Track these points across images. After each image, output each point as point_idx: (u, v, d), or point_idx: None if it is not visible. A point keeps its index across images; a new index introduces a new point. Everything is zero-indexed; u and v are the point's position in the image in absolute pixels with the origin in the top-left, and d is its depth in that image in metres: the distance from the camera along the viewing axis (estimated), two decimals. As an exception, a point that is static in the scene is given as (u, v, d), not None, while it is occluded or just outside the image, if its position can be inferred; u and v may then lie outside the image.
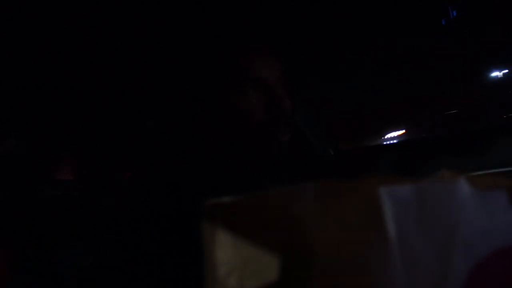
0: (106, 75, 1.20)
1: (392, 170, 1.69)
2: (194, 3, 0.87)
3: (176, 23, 0.92)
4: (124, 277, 0.58)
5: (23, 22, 0.81)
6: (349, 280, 0.23)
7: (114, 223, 0.66)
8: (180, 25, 0.93)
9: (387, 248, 0.22)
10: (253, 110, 0.63)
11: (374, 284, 0.22)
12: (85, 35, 0.92)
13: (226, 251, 0.31)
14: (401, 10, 1.17)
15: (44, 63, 1.03)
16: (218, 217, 0.32)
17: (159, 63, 1.08)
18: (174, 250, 0.55)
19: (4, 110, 1.17)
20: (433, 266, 0.23)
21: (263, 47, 0.67)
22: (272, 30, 1.08)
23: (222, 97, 0.64)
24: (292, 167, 0.83)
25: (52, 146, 1.31)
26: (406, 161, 1.61)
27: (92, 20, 0.87)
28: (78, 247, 0.94)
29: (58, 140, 1.35)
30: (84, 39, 0.94)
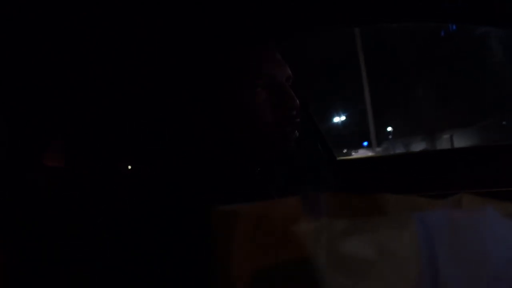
0: (106, 74, 1.20)
1: (389, 183, 1.69)
2: (197, 3, 0.87)
3: (179, 23, 0.92)
4: (124, 278, 0.58)
5: (23, 22, 0.80)
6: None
7: (114, 223, 0.65)
8: (184, 25, 0.93)
9: (418, 273, 0.22)
10: (261, 109, 0.64)
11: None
12: (85, 35, 0.92)
13: (239, 261, 0.31)
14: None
15: (45, 62, 1.02)
16: (229, 226, 0.32)
17: (162, 62, 1.08)
18: (174, 251, 0.55)
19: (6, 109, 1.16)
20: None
21: (270, 47, 0.68)
22: (276, 31, 1.08)
23: (229, 97, 0.65)
24: (290, 173, 0.83)
25: (51, 146, 1.31)
26: (407, 174, 1.61)
27: (92, 20, 0.86)
28: (78, 247, 0.93)
29: (58, 140, 1.34)
30: (84, 39, 0.93)
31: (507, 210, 0.28)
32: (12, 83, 1.08)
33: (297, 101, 0.65)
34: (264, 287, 0.31)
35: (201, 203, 0.58)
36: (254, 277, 0.31)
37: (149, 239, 0.57)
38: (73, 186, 1.27)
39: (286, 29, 1.12)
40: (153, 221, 0.57)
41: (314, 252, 0.26)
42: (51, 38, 0.90)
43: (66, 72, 1.11)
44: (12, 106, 1.16)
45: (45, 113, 1.23)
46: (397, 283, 0.23)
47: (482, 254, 0.23)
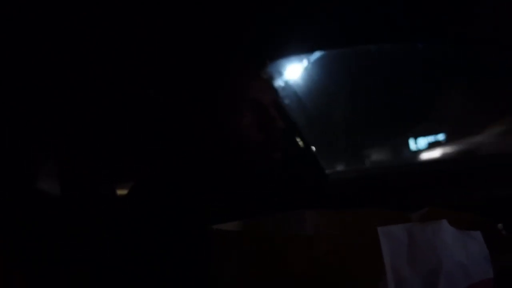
0: (107, 75, 1.21)
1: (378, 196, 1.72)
2: (194, 17, 0.90)
3: (177, 36, 0.95)
4: (124, 279, 0.59)
5: (23, 22, 0.82)
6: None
7: (114, 225, 0.67)
8: (181, 39, 0.96)
9: (382, 278, 0.26)
10: (246, 127, 0.67)
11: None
12: (85, 35, 0.93)
13: (236, 278, 0.34)
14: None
15: (45, 62, 1.03)
16: (226, 245, 0.35)
17: (160, 69, 1.11)
18: (173, 252, 0.57)
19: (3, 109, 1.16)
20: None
21: (260, 68, 0.72)
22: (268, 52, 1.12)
23: (218, 112, 0.68)
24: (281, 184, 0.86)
25: (51, 147, 1.31)
26: (392, 189, 1.64)
27: (92, 20, 0.88)
28: (78, 250, 0.94)
29: (57, 140, 1.35)
30: (83, 38, 0.95)
31: (462, 222, 0.33)
32: (12, 83, 1.10)
33: (281, 123, 0.69)
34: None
35: (198, 204, 0.60)
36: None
37: (149, 240, 0.59)
38: (72, 186, 1.28)
39: (276, 51, 1.16)
40: (153, 221, 0.60)
41: (302, 267, 0.30)
42: (51, 38, 0.92)
43: (66, 73, 1.12)
44: (12, 106, 1.18)
45: (45, 113, 1.24)
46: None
47: (435, 261, 0.28)
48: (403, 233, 0.28)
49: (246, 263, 0.33)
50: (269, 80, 0.73)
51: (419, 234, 0.28)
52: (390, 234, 0.27)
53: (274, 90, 0.73)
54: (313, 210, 0.41)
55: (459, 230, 0.30)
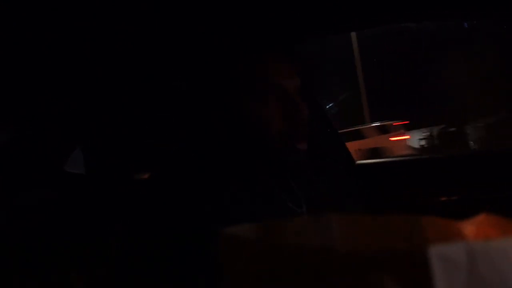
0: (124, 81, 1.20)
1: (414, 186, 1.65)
2: (210, 8, 0.86)
3: (192, 28, 0.92)
4: (128, 277, 0.58)
5: (23, 21, 0.80)
6: None
7: (125, 223, 0.66)
8: (198, 30, 0.92)
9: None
10: (270, 117, 0.63)
11: None
12: (104, 38, 0.91)
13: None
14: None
15: (58, 60, 1.02)
16: (235, 252, 0.31)
17: (175, 64, 1.08)
18: (182, 252, 0.54)
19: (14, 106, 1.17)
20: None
21: (281, 54, 0.68)
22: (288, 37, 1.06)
23: (240, 103, 0.64)
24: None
25: (65, 145, 1.32)
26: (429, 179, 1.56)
27: (112, 23, 0.86)
28: (87, 245, 0.94)
29: (71, 138, 1.35)
30: (102, 42, 0.93)
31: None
32: (32, 89, 1.10)
33: (306, 113, 0.64)
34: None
35: (213, 210, 0.57)
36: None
37: (157, 238, 0.56)
38: (85, 185, 1.29)
39: (296, 34, 1.10)
40: (164, 227, 0.57)
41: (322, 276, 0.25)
42: (67, 41, 0.91)
43: (85, 79, 1.12)
44: (29, 112, 1.18)
45: (61, 119, 1.24)
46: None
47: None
48: (462, 255, 0.21)
49: (262, 276, 0.28)
50: (294, 65, 0.68)
51: (482, 256, 0.22)
52: (446, 257, 0.21)
53: (298, 79, 0.68)
54: (340, 214, 0.35)
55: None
